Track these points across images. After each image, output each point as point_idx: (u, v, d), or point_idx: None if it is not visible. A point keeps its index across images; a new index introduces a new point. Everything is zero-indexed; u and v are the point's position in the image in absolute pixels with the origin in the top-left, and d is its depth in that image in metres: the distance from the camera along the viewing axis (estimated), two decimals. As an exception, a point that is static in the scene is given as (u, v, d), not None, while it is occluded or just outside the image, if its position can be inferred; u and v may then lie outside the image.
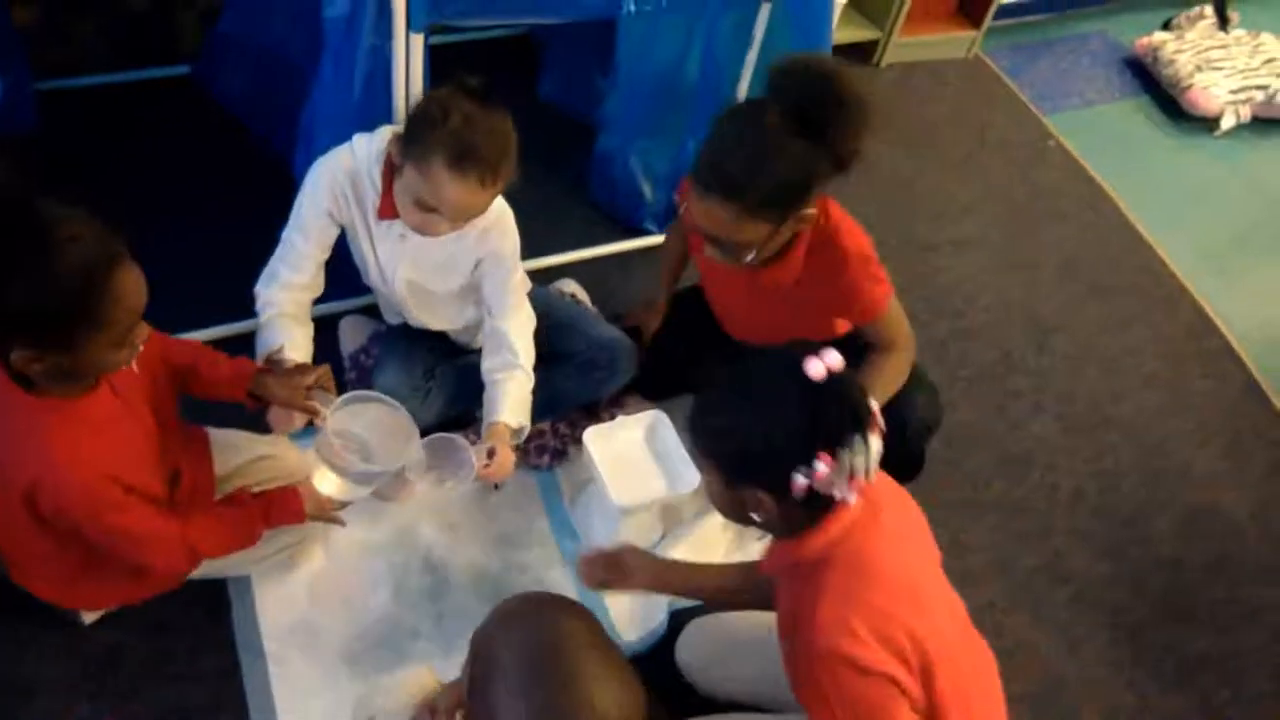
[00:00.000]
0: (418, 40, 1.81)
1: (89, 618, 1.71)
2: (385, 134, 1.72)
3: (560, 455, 2.10)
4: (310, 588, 1.80)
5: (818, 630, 1.21)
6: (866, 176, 3.04)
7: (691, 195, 1.55)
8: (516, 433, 1.85)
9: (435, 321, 1.99)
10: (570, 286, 2.39)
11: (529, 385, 1.87)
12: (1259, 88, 3.49)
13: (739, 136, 1.49)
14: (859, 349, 1.77)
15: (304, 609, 1.79)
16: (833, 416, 1.16)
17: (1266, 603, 2.25)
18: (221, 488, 1.79)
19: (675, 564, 1.68)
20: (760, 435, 1.18)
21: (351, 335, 2.17)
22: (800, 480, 1.16)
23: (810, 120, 1.47)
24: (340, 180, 1.71)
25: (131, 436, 1.45)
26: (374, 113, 1.88)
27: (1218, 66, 3.52)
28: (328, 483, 1.61)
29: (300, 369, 1.64)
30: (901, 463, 1.82)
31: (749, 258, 1.60)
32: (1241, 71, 3.52)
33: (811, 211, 1.56)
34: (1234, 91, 3.48)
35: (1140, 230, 3.11)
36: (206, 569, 1.73)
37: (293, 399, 1.59)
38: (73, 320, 1.23)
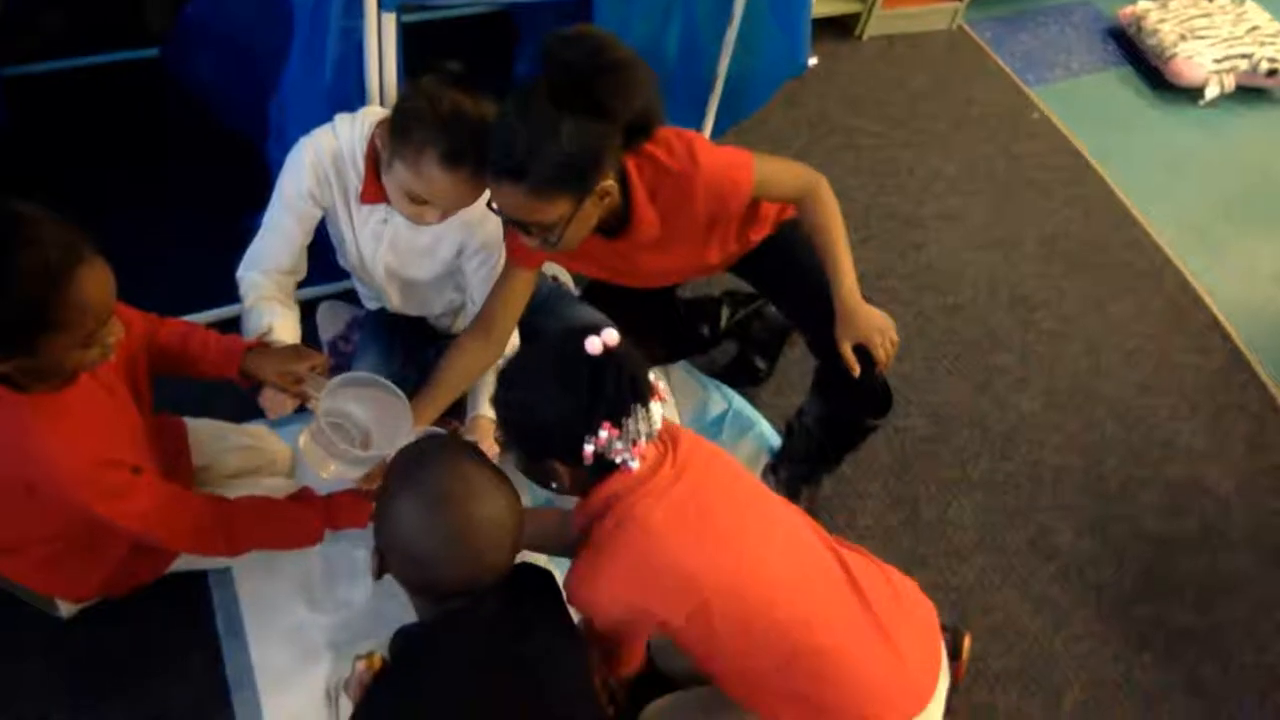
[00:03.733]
0: (390, 20, 1.77)
1: (66, 611, 1.68)
2: (369, 116, 1.69)
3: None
4: (293, 579, 1.78)
5: (571, 574, 1.38)
6: (849, 151, 3.02)
7: (490, 187, 1.53)
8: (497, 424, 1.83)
9: (415, 307, 1.96)
10: (551, 267, 2.36)
11: None
12: (1243, 56, 3.48)
13: (517, 118, 1.45)
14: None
15: (287, 601, 1.78)
16: (613, 389, 1.27)
17: (1249, 576, 2.26)
18: (199, 477, 1.78)
19: None
20: (548, 413, 1.29)
21: (329, 321, 2.14)
22: (587, 449, 1.27)
23: (583, 93, 1.43)
24: (323, 162, 1.68)
25: (118, 419, 1.44)
26: (346, 96, 1.84)
27: (1201, 35, 3.50)
28: (320, 466, 1.59)
29: (296, 352, 1.60)
30: (869, 399, 1.81)
31: (557, 239, 1.55)
32: (1225, 40, 3.50)
33: (609, 183, 1.52)
34: (1218, 61, 3.46)
35: (1125, 202, 3.10)
36: (186, 561, 1.72)
37: (286, 381, 1.56)
38: (30, 327, 1.19)
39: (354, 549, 1.83)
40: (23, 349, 1.21)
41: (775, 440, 2.17)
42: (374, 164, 1.66)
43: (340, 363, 2.09)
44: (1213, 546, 2.30)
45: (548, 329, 2.01)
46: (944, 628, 1.58)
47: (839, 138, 3.04)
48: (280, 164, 2.15)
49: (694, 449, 1.42)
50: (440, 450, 1.30)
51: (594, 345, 1.27)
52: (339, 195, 1.72)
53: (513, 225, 1.58)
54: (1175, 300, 2.85)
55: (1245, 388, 2.65)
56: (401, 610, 1.78)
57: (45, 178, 2.18)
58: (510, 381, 1.35)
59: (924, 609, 1.52)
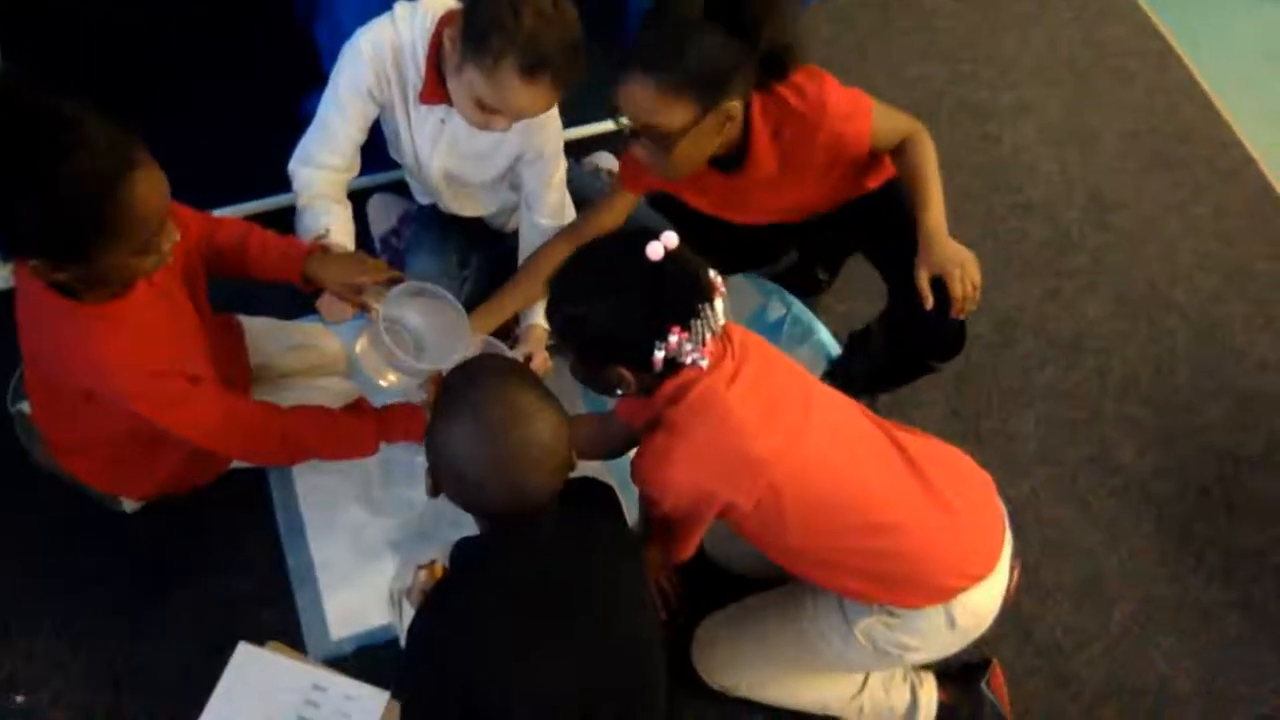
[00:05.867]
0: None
1: (130, 506, 1.71)
2: (431, 8, 1.58)
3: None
4: (352, 480, 1.79)
5: (641, 456, 1.37)
6: (921, 34, 2.85)
7: (617, 85, 1.52)
8: (551, 334, 1.80)
9: (470, 208, 1.90)
10: (606, 161, 2.28)
11: None
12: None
13: (662, 18, 1.49)
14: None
15: (347, 502, 1.79)
16: (677, 293, 1.25)
17: (1314, 495, 2.21)
18: (255, 375, 1.77)
19: None
20: (614, 322, 1.27)
21: (381, 215, 2.08)
22: (658, 355, 1.25)
23: (735, 7, 1.45)
24: (382, 57, 1.59)
25: (176, 326, 1.42)
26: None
27: (1311, -93, 3.22)
28: (378, 373, 1.57)
29: (358, 261, 1.56)
30: (938, 341, 1.76)
31: (671, 153, 1.54)
32: (1336, -87, 3.22)
33: (735, 104, 1.51)
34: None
35: (1208, 93, 2.91)
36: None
37: (347, 290, 1.52)
38: (84, 234, 1.16)
39: (414, 454, 1.82)
40: (78, 257, 1.19)
41: (834, 348, 2.11)
42: (435, 63, 1.57)
43: (391, 258, 2.04)
44: (1277, 464, 2.24)
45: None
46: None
47: (912, 19, 2.86)
48: (329, 46, 2.07)
49: (747, 340, 1.41)
50: (489, 373, 1.27)
51: (655, 250, 1.24)
52: (398, 92, 1.63)
53: (630, 131, 1.55)
54: (1256, 203, 2.70)
55: (1324, 298, 2.55)
56: (462, 514, 1.81)
57: (77, 54, 2.12)
58: (569, 294, 1.32)
59: (980, 478, 1.54)
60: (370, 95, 1.63)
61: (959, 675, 1.74)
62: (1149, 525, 2.11)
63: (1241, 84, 2.94)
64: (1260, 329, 2.45)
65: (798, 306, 2.17)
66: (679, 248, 1.26)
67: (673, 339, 1.25)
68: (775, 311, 2.16)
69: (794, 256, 2.28)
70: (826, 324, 2.17)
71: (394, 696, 1.34)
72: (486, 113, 1.52)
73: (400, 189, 2.10)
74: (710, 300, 1.27)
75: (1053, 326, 2.37)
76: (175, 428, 1.40)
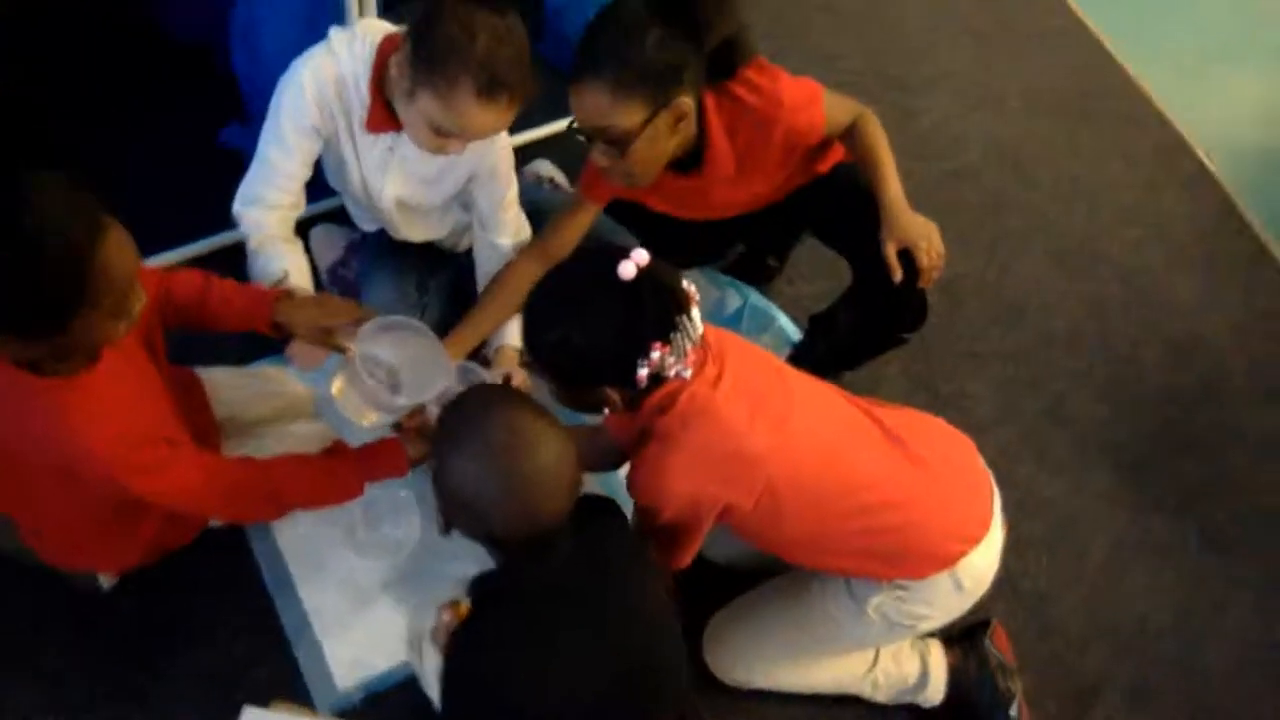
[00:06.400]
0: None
1: (107, 582, 1.63)
2: (369, 33, 1.54)
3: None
4: (334, 525, 1.73)
5: (636, 470, 1.38)
6: (832, 13, 2.89)
7: (570, 93, 1.53)
8: (523, 353, 1.78)
9: (421, 233, 1.86)
10: (546, 169, 2.25)
11: None
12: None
13: (606, 22, 1.50)
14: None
15: (331, 549, 1.74)
16: (655, 309, 1.25)
17: (1252, 423, 2.33)
18: (224, 430, 1.70)
19: None
20: (594, 345, 1.27)
21: (326, 247, 2.02)
22: (641, 372, 1.26)
23: (681, 12, 1.48)
24: (325, 91, 1.53)
25: (144, 389, 1.36)
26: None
27: None
28: (360, 414, 1.53)
29: (328, 303, 1.51)
30: (906, 312, 1.80)
31: (628, 156, 1.55)
32: None
33: (687, 101, 1.53)
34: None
35: (1107, 47, 3.03)
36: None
37: (320, 335, 1.47)
38: (63, 304, 1.11)
39: (396, 489, 1.78)
40: (54, 330, 1.13)
41: (795, 334, 2.14)
42: (379, 90, 1.52)
43: (343, 289, 1.99)
44: (1217, 398, 2.36)
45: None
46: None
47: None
48: (247, 73, 2.00)
49: (723, 339, 1.42)
50: (487, 403, 1.26)
51: (628, 270, 1.24)
52: (342, 123, 1.59)
53: (586, 139, 1.56)
54: (1166, 151, 2.83)
55: (1237, 236, 2.68)
56: (455, 546, 1.76)
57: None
58: (546, 321, 1.32)
59: (961, 442, 1.58)
60: (315, 130, 1.58)
61: (962, 638, 1.79)
62: (1107, 472, 2.20)
63: (1137, 36, 3.07)
64: (1182, 272, 2.57)
65: (754, 296, 2.19)
66: (651, 262, 1.26)
67: (655, 355, 1.25)
68: (732, 303, 2.18)
69: (741, 247, 2.29)
70: (782, 309, 2.20)
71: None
72: (442, 137, 1.49)
73: (339, 217, 2.04)
74: (687, 310, 1.28)
75: (994, 290, 2.44)
76: (158, 496, 1.33)
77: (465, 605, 1.26)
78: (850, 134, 1.74)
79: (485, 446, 1.20)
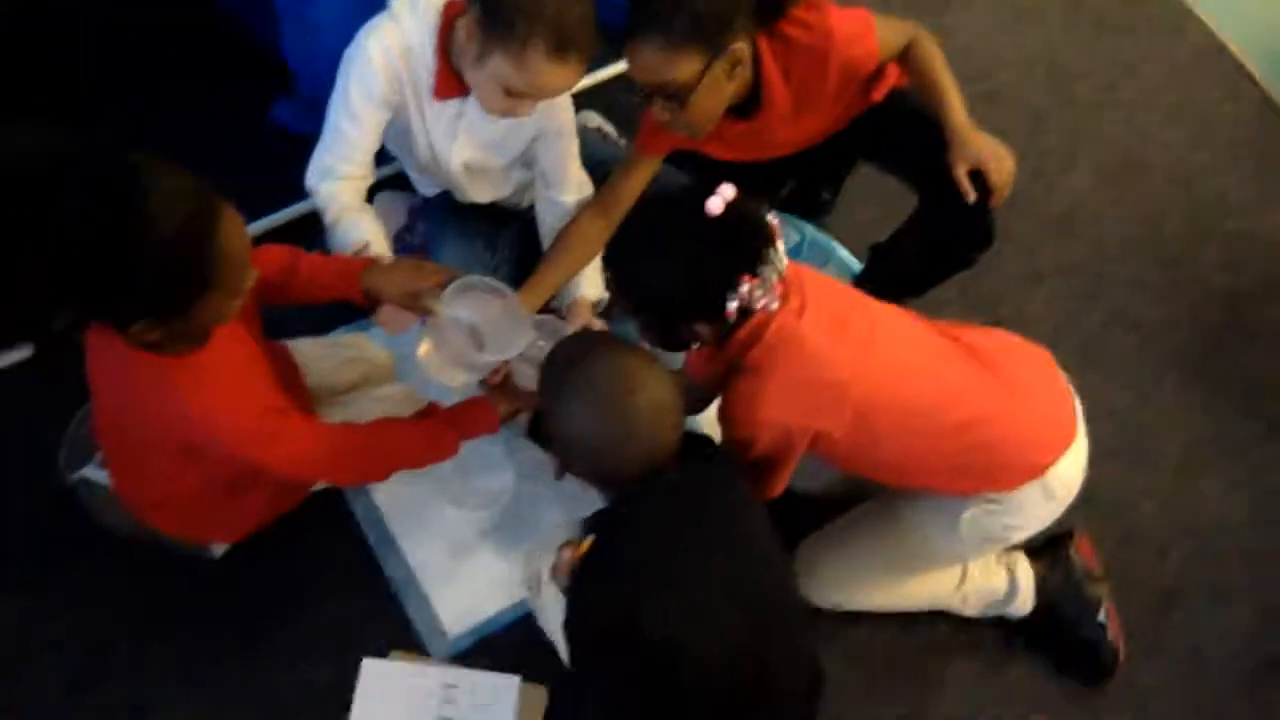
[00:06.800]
0: None
1: (219, 550, 1.68)
2: (432, 1, 1.55)
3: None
4: (428, 481, 1.77)
5: (729, 404, 1.42)
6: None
7: (625, 52, 1.54)
8: (596, 304, 1.84)
9: (487, 194, 1.89)
10: (594, 120, 2.26)
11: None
12: None
13: None
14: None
15: (429, 504, 1.79)
16: (742, 242, 1.29)
17: (1313, 314, 2.34)
18: (315, 399, 1.74)
19: None
20: (684, 280, 1.31)
21: (389, 213, 2.04)
22: (731, 305, 1.30)
23: None
24: (393, 62, 1.55)
25: (252, 362, 1.41)
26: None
27: None
28: (448, 375, 1.57)
29: (416, 268, 1.54)
30: (976, 233, 1.80)
31: (687, 107, 1.55)
32: None
33: (741, 46, 1.53)
34: None
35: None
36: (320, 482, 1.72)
37: (409, 299, 1.50)
38: (187, 289, 1.15)
39: (486, 444, 1.82)
40: (180, 312, 1.17)
41: (855, 265, 2.15)
42: (446, 54, 1.54)
43: (409, 254, 2.01)
44: (1276, 292, 2.36)
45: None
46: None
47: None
48: (300, 49, 2.02)
49: (799, 271, 1.44)
50: (588, 349, 1.31)
51: (716, 205, 1.27)
52: (410, 93, 1.60)
53: (644, 96, 1.56)
54: (1203, 53, 2.81)
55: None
56: (548, 494, 1.83)
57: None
58: (636, 259, 1.36)
59: (1039, 354, 1.60)
60: (384, 101, 1.60)
61: (1046, 549, 1.82)
62: (1173, 376, 2.21)
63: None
64: (1230, 172, 2.56)
65: (810, 230, 2.20)
66: (736, 197, 1.29)
67: (744, 288, 1.29)
68: (790, 239, 2.19)
69: (792, 184, 2.30)
70: (839, 242, 2.21)
71: (571, 669, 1.37)
72: (512, 99, 1.51)
73: (398, 182, 2.07)
74: (773, 243, 1.31)
75: (1043, 206, 2.44)
76: (277, 465, 1.38)
77: (586, 543, 1.31)
78: (906, 58, 1.74)
79: (596, 389, 1.24)
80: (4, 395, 1.83)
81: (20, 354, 1.85)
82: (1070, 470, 1.54)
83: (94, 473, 1.59)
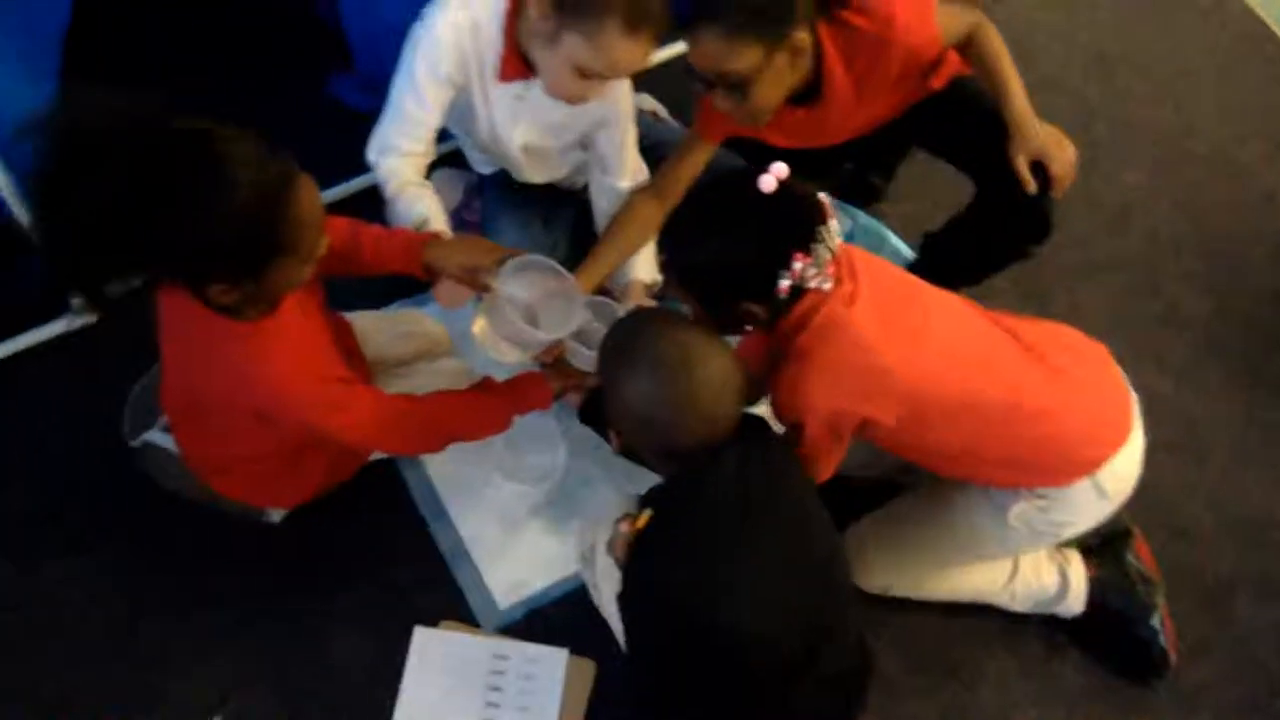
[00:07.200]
0: None
1: (278, 516, 1.71)
2: None
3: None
4: (481, 455, 1.80)
5: (778, 390, 1.41)
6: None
7: (686, 41, 1.54)
8: (650, 287, 1.85)
9: (544, 175, 1.91)
10: (648, 104, 2.27)
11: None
12: None
13: None
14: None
15: (481, 478, 1.81)
16: (795, 219, 1.29)
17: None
18: (373, 370, 1.77)
19: None
20: (737, 257, 1.31)
21: (448, 190, 2.05)
22: (784, 284, 1.29)
23: None
24: (463, 41, 1.57)
25: (317, 330, 1.44)
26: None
27: None
28: (499, 351, 1.59)
29: (476, 244, 1.56)
30: (1034, 224, 1.78)
31: (748, 97, 1.55)
32: None
33: (802, 35, 1.53)
34: None
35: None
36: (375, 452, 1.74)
37: (468, 275, 1.52)
38: (262, 252, 1.18)
39: (538, 419, 1.84)
40: (254, 274, 1.19)
41: (907, 252, 2.15)
42: (513, 36, 1.55)
43: (466, 231, 2.03)
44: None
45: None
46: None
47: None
48: (360, 25, 2.03)
49: (853, 255, 1.44)
50: (648, 324, 1.33)
51: (768, 183, 1.28)
52: (475, 73, 1.62)
53: (705, 85, 1.56)
54: (1249, 40, 2.80)
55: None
56: (599, 471, 1.85)
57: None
58: (689, 238, 1.37)
59: (1094, 348, 1.58)
60: (450, 80, 1.61)
61: (1102, 549, 1.80)
62: (1224, 371, 2.20)
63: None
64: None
65: (863, 217, 2.20)
66: (788, 176, 1.29)
67: (796, 265, 1.29)
68: (842, 225, 2.19)
69: (846, 169, 2.30)
70: (891, 229, 2.21)
71: (625, 644, 1.39)
72: (584, 80, 1.51)
73: (454, 159, 2.09)
74: (825, 222, 1.31)
75: (1096, 199, 2.42)
76: (342, 432, 1.41)
77: (644, 517, 1.32)
78: (968, 45, 1.73)
79: (659, 363, 1.25)
80: (55, 364, 1.88)
81: (78, 321, 1.88)
82: (1125, 468, 1.53)
83: (158, 436, 1.62)
